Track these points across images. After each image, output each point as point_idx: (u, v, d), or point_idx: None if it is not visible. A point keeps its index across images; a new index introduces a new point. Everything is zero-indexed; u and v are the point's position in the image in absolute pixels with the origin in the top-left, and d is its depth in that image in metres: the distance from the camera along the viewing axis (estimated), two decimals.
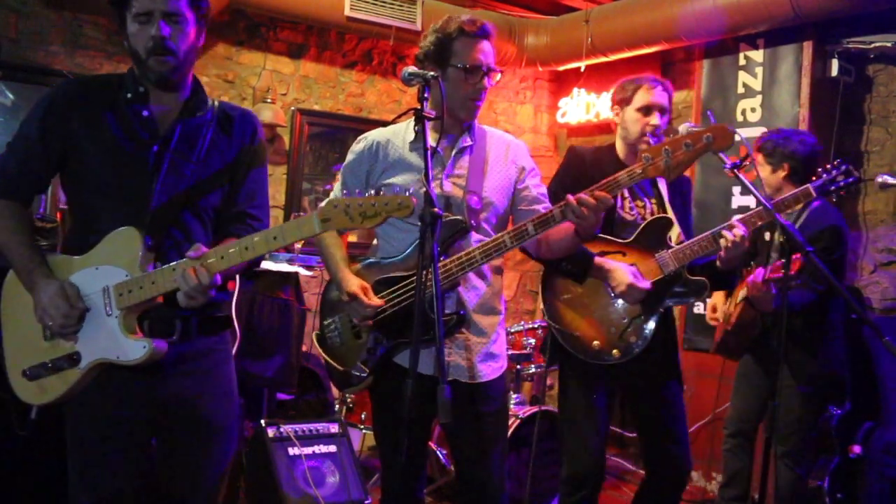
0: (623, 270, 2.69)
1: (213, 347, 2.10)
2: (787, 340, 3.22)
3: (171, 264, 1.89)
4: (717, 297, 3.62)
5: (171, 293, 1.90)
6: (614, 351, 2.73)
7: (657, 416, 2.86)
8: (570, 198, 2.19)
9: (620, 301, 2.74)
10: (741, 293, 3.40)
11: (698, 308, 4.65)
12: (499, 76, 2.39)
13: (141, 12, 1.90)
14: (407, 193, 1.81)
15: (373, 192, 1.81)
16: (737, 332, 3.45)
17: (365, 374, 2.38)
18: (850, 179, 3.09)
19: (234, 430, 2.16)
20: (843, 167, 3.10)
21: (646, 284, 2.68)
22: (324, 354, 2.50)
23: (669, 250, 2.75)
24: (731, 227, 2.65)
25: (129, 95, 1.99)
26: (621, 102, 2.85)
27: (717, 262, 2.73)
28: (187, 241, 1.96)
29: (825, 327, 3.34)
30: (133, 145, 1.97)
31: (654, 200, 2.88)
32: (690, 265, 2.77)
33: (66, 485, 2.02)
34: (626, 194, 2.85)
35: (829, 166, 3.12)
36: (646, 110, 2.78)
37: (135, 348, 1.91)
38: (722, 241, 2.64)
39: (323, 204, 1.86)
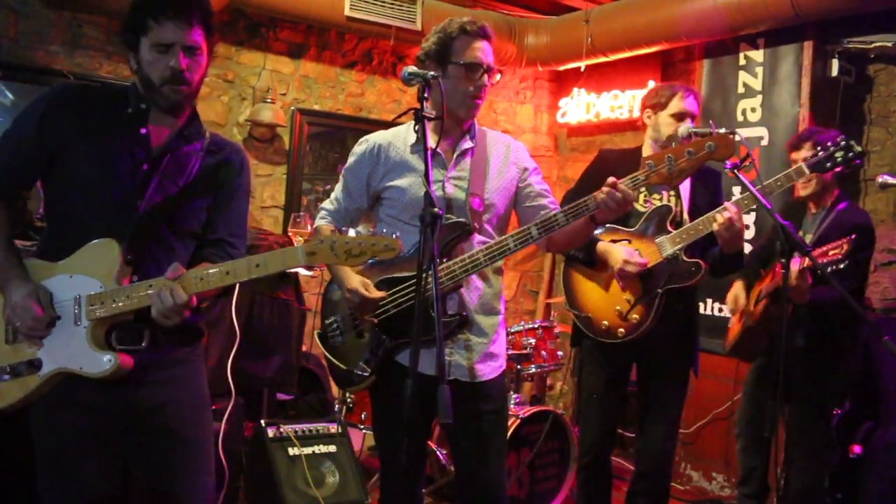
0: (619, 250, 2.87)
1: (184, 358, 2.08)
2: (819, 339, 3.21)
3: (148, 281, 1.89)
4: (738, 288, 3.58)
5: (143, 309, 1.89)
6: (620, 330, 2.93)
7: (647, 408, 3.07)
8: (611, 184, 2.21)
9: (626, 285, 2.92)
10: (764, 289, 3.38)
11: (700, 308, 4.63)
12: (499, 76, 2.41)
13: (161, 43, 1.91)
14: (394, 236, 1.81)
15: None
16: (759, 329, 3.40)
17: (367, 374, 2.38)
18: (855, 160, 2.91)
19: (209, 442, 2.14)
20: (843, 142, 2.93)
21: (641, 261, 2.83)
22: (326, 353, 2.51)
23: (667, 234, 2.89)
24: (723, 210, 2.76)
25: (129, 110, 1.99)
26: (655, 107, 3.03)
27: (722, 247, 2.83)
28: (167, 258, 1.95)
29: (857, 327, 3.32)
30: (124, 160, 1.96)
31: (671, 194, 3.02)
32: (705, 253, 2.93)
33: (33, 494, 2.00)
34: (643, 189, 2.95)
35: (829, 143, 2.97)
36: (679, 116, 2.95)
37: (100, 361, 1.90)
38: (715, 225, 2.75)
39: (317, 226, 1.84)
